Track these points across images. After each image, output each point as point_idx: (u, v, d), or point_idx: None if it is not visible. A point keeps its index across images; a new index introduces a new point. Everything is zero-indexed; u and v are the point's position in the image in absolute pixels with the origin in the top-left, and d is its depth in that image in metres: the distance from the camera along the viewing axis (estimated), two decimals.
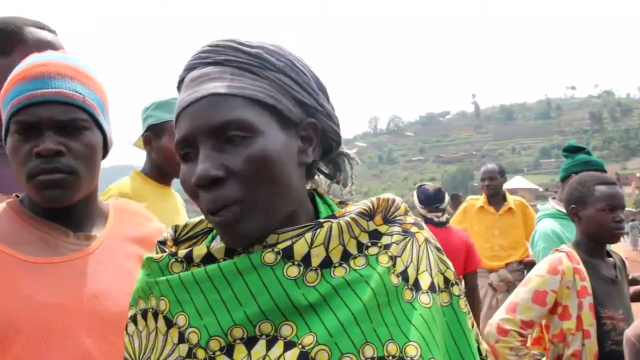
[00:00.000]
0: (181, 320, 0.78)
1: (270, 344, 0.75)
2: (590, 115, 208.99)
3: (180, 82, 0.83)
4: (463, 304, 0.88)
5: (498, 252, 4.53)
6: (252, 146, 0.76)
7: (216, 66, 0.79)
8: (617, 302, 2.14)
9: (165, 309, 0.80)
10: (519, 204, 4.67)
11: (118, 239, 1.19)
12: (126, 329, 0.86)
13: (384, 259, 0.81)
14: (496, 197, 4.64)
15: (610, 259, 2.28)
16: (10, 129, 1.10)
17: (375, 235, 0.83)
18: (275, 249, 0.77)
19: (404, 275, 0.82)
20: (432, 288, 0.84)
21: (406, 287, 0.82)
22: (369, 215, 0.84)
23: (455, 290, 0.88)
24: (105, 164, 1.24)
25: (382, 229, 0.85)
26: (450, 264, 0.90)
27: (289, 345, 0.74)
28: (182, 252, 0.81)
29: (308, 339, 0.74)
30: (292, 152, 0.81)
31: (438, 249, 0.90)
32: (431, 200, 3.64)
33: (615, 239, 2.23)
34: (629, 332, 1.64)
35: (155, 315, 0.81)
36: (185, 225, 0.91)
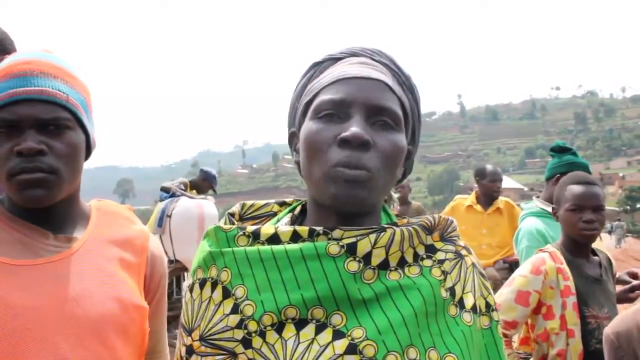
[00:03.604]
0: (239, 292, 0.84)
1: (319, 329, 0.81)
2: (575, 115, 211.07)
3: (335, 59, 0.94)
4: (500, 329, 0.93)
5: (486, 251, 4.57)
6: (396, 136, 0.87)
7: (381, 65, 0.92)
8: (601, 300, 2.15)
9: (226, 279, 0.86)
10: (506, 203, 4.73)
11: (99, 241, 1.16)
12: (185, 297, 0.93)
13: (436, 272, 0.87)
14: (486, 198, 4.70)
15: (596, 257, 2.29)
16: None
17: (431, 250, 0.89)
18: (340, 243, 0.83)
19: (452, 291, 0.87)
20: (474, 309, 0.89)
21: (452, 302, 0.87)
22: (428, 229, 0.90)
23: (495, 315, 0.93)
24: (90, 164, 1.23)
25: (438, 245, 0.91)
26: (491, 289, 0.95)
27: (338, 335, 0.80)
28: (250, 228, 0.88)
29: (357, 332, 0.80)
30: (402, 162, 0.91)
31: (482, 275, 0.95)
32: None
33: (585, 238, 2.20)
34: (607, 330, 1.65)
35: (214, 285, 0.87)
36: (252, 205, 1.00)
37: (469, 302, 0.88)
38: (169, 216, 3.02)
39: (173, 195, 2.88)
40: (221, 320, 0.84)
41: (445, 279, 0.87)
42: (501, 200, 4.73)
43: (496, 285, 4.46)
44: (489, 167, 4.89)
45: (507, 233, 4.55)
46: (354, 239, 0.83)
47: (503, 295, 2.14)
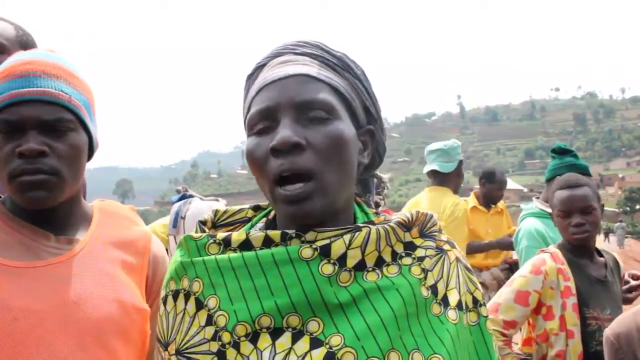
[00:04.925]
0: (212, 302, 0.81)
1: (295, 338, 0.77)
2: (574, 116, 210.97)
3: (262, 65, 0.90)
4: (490, 325, 0.90)
5: (492, 251, 4.59)
6: (331, 126, 0.82)
7: (305, 56, 0.88)
8: (604, 302, 2.14)
9: (198, 290, 0.83)
10: (502, 204, 4.78)
11: (101, 243, 1.15)
12: (159, 310, 0.90)
13: (416, 271, 0.84)
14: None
15: (602, 258, 2.27)
16: None
17: (410, 247, 0.86)
18: (314, 246, 0.80)
19: (434, 289, 0.84)
20: (459, 306, 0.85)
21: (435, 301, 0.83)
22: (406, 226, 0.86)
23: (483, 311, 0.89)
24: (89, 165, 1.22)
25: (418, 241, 0.87)
26: (478, 284, 0.92)
27: (315, 343, 0.77)
28: (220, 235, 0.85)
29: (335, 340, 0.76)
30: (356, 147, 0.86)
31: (467, 269, 0.91)
32: None
33: (579, 242, 2.19)
34: (607, 332, 1.65)
35: (187, 296, 0.84)
36: (225, 212, 0.96)
37: (453, 299, 0.85)
38: (183, 218, 3.09)
39: (184, 196, 2.99)
40: (198, 333, 0.81)
41: (426, 277, 0.83)
42: (500, 202, 4.78)
43: (499, 286, 4.47)
44: (498, 172, 4.86)
45: (508, 233, 4.58)
46: (327, 241, 0.80)
47: (503, 295, 2.14)
